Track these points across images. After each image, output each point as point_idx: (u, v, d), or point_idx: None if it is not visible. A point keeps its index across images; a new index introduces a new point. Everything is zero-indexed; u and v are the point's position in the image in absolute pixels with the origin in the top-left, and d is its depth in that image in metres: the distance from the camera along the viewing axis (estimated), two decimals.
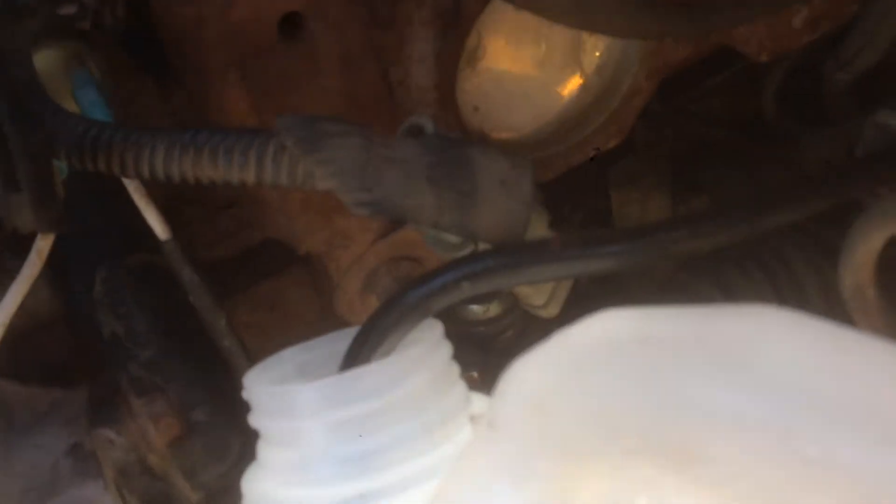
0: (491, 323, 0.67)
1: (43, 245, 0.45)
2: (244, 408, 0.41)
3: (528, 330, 0.70)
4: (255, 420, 0.39)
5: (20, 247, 0.49)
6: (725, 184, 0.81)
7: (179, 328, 0.55)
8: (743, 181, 0.80)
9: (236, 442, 0.52)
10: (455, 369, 0.41)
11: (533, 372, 0.31)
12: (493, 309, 0.67)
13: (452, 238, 0.48)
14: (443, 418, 0.37)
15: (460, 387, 0.40)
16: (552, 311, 0.65)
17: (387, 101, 0.60)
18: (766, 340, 0.27)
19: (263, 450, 0.39)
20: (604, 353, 0.30)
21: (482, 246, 0.48)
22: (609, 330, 0.31)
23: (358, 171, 0.44)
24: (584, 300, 0.70)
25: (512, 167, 0.48)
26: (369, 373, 0.38)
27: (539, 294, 0.63)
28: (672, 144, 0.83)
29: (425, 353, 0.39)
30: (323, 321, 0.73)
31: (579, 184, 0.76)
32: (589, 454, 0.28)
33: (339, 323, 0.66)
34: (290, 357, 0.43)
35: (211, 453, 0.52)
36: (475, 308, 0.66)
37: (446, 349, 0.40)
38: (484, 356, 0.67)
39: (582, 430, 0.28)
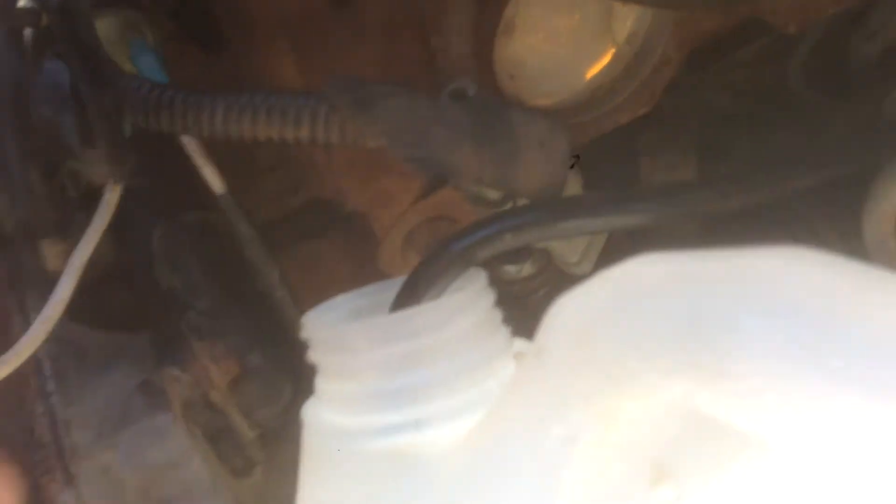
0: (525, 282, 0.70)
1: (111, 197, 0.48)
2: (296, 354, 0.44)
3: (559, 289, 0.72)
4: (313, 356, 0.42)
5: (86, 202, 0.53)
6: (751, 153, 0.82)
7: (233, 282, 0.59)
8: (768, 151, 0.81)
9: (288, 386, 0.56)
10: (499, 314, 0.43)
11: (578, 304, 0.34)
12: (527, 269, 0.69)
13: (493, 195, 0.51)
14: (489, 355, 0.40)
15: (504, 329, 0.43)
16: (585, 268, 0.67)
17: (427, 68, 0.62)
18: (792, 272, 0.29)
19: (322, 383, 0.41)
20: (641, 286, 0.33)
21: (521, 202, 0.51)
22: (646, 269, 0.34)
23: (407, 129, 0.47)
24: (614, 260, 0.72)
25: (549, 129, 0.51)
26: (420, 313, 0.41)
27: (573, 251, 0.66)
28: (699, 115, 0.85)
29: (471, 296, 0.41)
30: (356, 282, 0.76)
31: (609, 151, 0.78)
32: (628, 377, 0.31)
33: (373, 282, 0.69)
34: (342, 303, 0.46)
35: (265, 395, 0.55)
36: (509, 268, 0.69)
37: (490, 295, 0.43)
38: (518, 315, 0.70)
39: (622, 355, 0.31)
